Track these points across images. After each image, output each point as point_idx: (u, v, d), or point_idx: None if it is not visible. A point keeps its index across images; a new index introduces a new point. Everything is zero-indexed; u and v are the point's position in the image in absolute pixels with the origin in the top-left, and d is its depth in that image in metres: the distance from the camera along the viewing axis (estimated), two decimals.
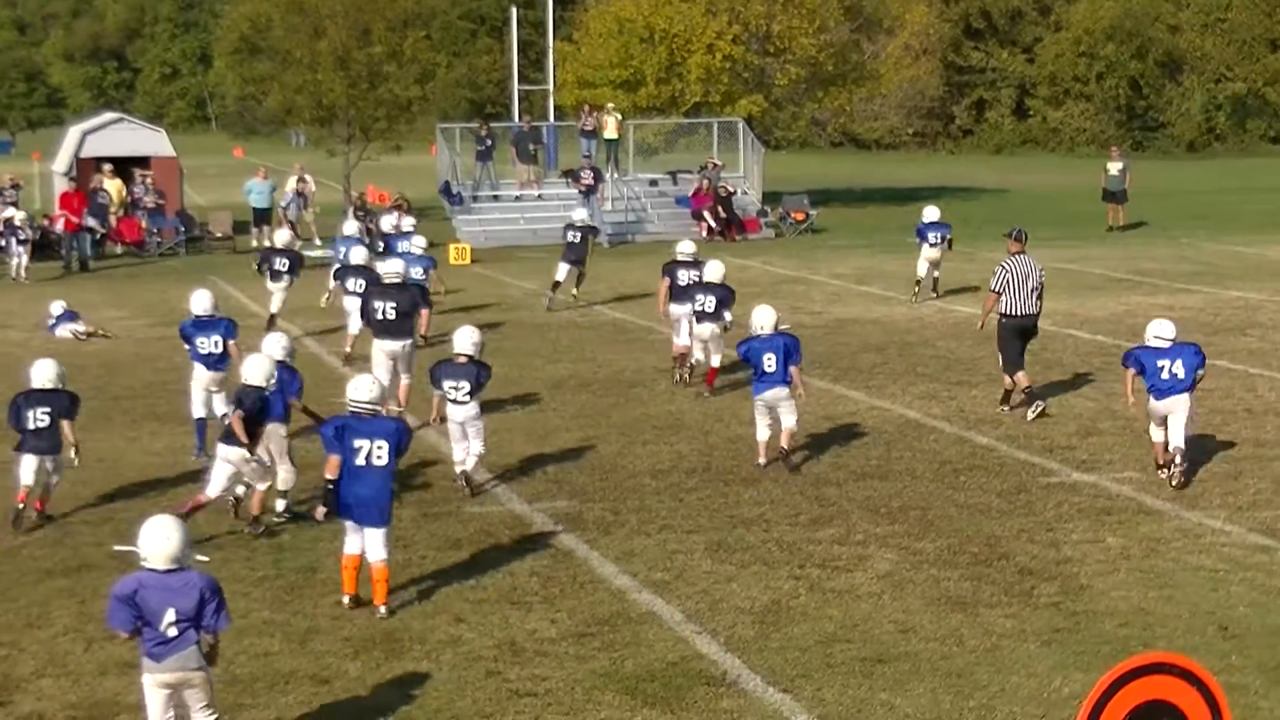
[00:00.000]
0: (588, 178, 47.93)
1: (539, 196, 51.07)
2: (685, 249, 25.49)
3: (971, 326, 26.97)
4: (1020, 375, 21.98)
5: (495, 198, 51.58)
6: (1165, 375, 17.88)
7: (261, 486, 16.46)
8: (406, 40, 54.58)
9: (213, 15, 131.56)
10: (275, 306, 29.54)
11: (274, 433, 16.78)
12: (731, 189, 50.46)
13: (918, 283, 33.79)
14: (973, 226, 45.51)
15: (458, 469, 18.06)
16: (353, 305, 25.92)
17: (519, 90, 59.50)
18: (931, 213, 34.17)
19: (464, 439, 17.89)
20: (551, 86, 60.12)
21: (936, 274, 33.93)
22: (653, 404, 23.08)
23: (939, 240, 33.71)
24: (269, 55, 58.19)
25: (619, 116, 52.94)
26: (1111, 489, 17.70)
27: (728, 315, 23.34)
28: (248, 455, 16.18)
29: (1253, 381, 23.93)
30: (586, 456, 19.76)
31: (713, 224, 48.96)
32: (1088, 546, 15.49)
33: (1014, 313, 21.97)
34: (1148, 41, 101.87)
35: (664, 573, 14.92)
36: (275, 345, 17.53)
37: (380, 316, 21.90)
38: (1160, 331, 18.12)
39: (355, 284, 26.17)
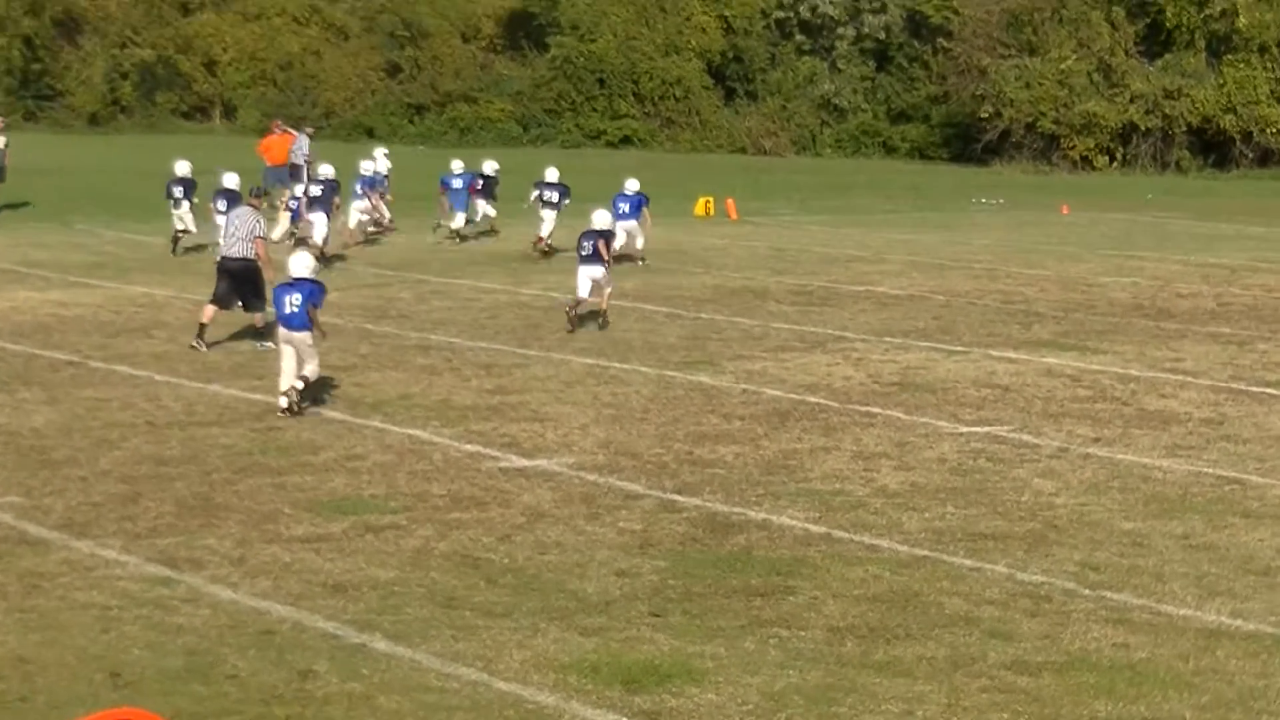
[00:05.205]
0: None
1: None
2: None
3: None
4: (209, 309, 26.32)
5: None
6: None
7: (609, 290, 28.79)
8: None
9: None
10: None
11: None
12: None
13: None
14: None
15: None
16: None
17: None
18: (552, 173, 39.92)
19: None
20: None
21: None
22: None
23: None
24: None
25: None
26: None
27: None
28: (607, 272, 28.53)
29: (157, 390, 22.99)
30: None
31: None
32: None
33: (225, 255, 26.85)
34: None
35: None
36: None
37: None
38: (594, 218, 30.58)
39: None
